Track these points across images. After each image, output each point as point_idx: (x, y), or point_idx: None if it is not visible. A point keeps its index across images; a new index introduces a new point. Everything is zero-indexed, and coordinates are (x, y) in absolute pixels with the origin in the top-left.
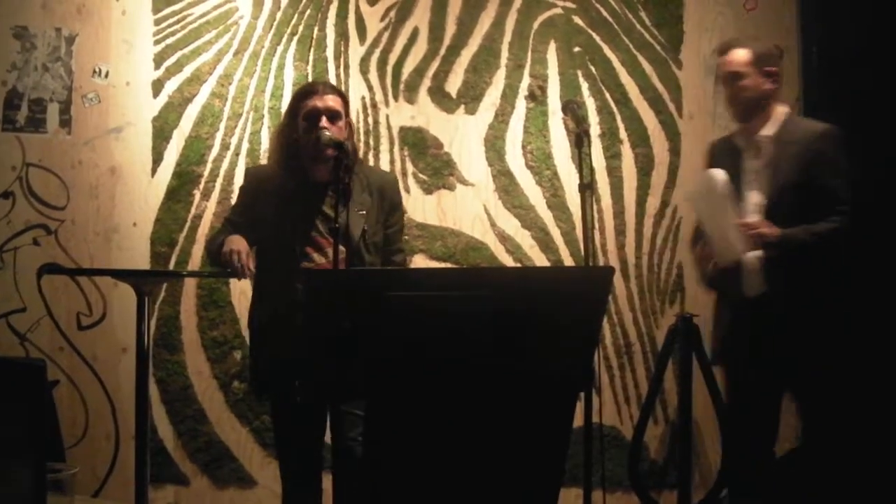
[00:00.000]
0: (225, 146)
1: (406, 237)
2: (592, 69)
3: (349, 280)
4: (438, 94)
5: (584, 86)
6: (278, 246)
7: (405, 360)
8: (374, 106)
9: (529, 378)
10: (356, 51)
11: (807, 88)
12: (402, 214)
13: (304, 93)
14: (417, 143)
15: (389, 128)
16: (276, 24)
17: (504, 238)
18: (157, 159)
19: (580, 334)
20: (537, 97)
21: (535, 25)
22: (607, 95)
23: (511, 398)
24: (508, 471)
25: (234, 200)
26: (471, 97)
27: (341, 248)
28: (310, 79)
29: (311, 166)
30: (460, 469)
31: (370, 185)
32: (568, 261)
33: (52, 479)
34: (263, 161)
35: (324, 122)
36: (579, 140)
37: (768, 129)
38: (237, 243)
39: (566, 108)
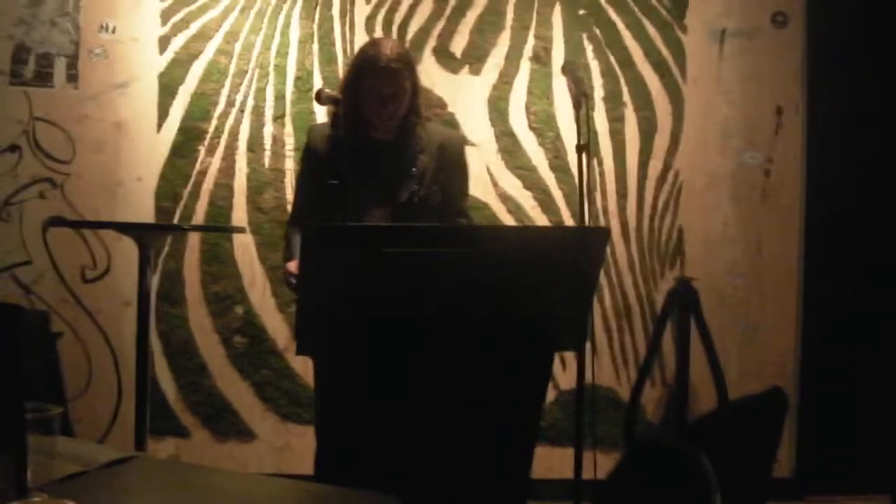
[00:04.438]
0: (230, 103)
1: None
2: (597, 32)
3: (346, 236)
4: (443, 55)
5: (589, 48)
6: (336, 208)
7: (397, 316)
8: None
9: (515, 335)
10: (362, 9)
11: (810, 56)
12: (466, 175)
13: (369, 69)
14: (422, 102)
15: None
16: None
17: (506, 198)
18: (163, 115)
19: (572, 294)
20: (541, 59)
21: None
22: (611, 58)
23: (496, 355)
24: (485, 428)
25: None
26: (475, 58)
27: (385, 210)
28: (315, 38)
29: (373, 126)
30: (439, 425)
31: (430, 145)
32: (569, 222)
33: (34, 418)
34: (268, 117)
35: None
36: (578, 102)
37: None
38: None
39: (565, 69)
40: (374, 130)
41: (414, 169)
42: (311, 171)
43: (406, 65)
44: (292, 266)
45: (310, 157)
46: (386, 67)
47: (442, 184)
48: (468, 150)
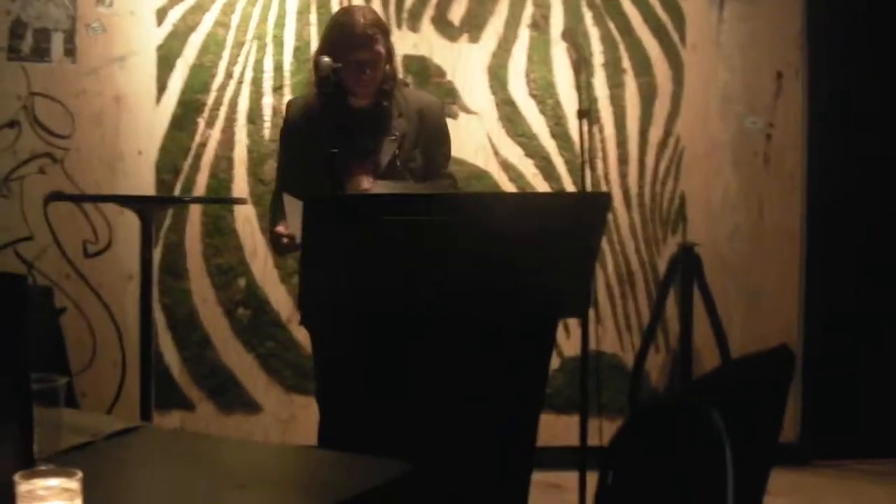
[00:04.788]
0: (229, 74)
1: None
2: None
3: (347, 205)
4: (442, 23)
5: (588, 14)
6: (325, 177)
7: (399, 288)
8: None
9: (518, 302)
10: None
11: (810, 20)
12: (447, 138)
13: (344, 37)
14: (420, 71)
15: None
16: None
17: (507, 166)
18: (162, 88)
19: (575, 261)
20: (540, 26)
21: None
22: (610, 24)
23: (499, 323)
24: (491, 397)
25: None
26: (474, 25)
27: (368, 176)
28: (313, 8)
29: (351, 93)
30: (439, 399)
31: (409, 109)
32: (571, 189)
33: (40, 389)
34: (266, 88)
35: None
36: (578, 68)
37: None
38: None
39: (564, 36)
40: (353, 98)
41: (394, 133)
42: (294, 144)
43: (380, 30)
44: (282, 228)
45: (290, 130)
46: (361, 34)
47: (423, 148)
48: (469, 120)
